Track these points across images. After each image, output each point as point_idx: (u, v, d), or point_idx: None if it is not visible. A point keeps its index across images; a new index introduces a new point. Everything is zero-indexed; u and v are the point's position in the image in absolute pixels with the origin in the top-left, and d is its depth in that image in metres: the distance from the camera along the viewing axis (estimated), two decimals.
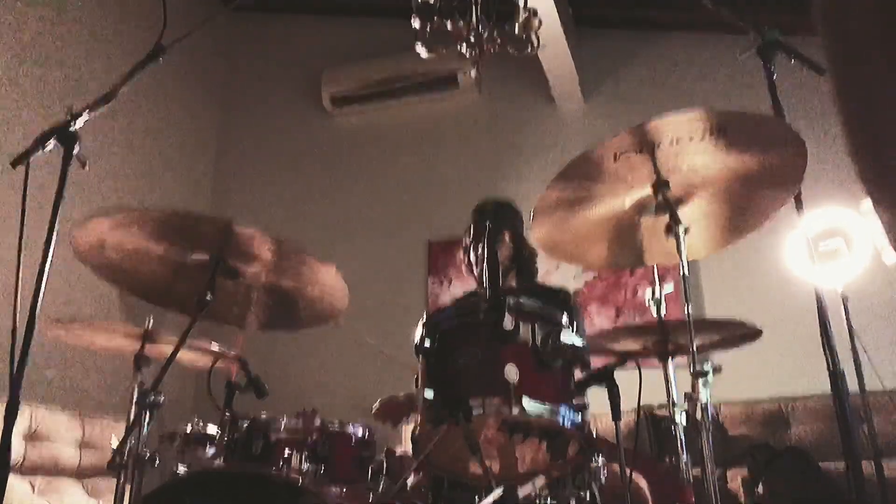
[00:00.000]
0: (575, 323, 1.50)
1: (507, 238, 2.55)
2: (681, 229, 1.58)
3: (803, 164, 1.57)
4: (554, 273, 4.28)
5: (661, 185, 1.62)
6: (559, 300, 2.53)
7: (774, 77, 1.82)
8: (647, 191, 1.65)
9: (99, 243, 1.72)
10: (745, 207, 1.74)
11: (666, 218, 1.62)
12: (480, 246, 2.52)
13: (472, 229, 2.58)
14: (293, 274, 1.86)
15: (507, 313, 1.31)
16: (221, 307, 1.90)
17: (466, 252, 2.62)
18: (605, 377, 1.48)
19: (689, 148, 1.55)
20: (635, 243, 1.84)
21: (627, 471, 1.50)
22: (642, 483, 1.98)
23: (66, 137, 1.60)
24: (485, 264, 1.45)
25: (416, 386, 1.46)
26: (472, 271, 2.63)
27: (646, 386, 1.56)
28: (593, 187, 1.66)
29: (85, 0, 4.35)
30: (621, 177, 1.63)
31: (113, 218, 1.66)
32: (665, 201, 1.61)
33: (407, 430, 2.76)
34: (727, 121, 1.51)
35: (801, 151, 1.55)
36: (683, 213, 1.64)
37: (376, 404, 2.45)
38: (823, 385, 1.63)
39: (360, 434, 1.84)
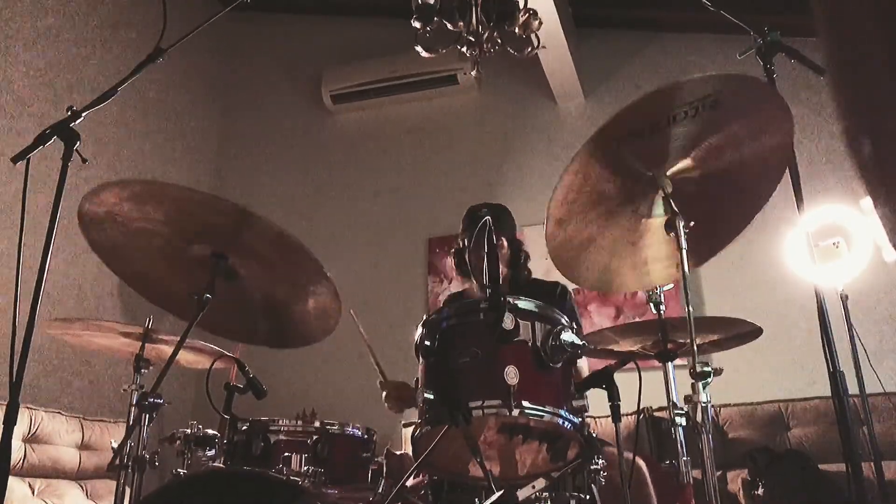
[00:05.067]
0: (574, 321, 1.50)
1: (504, 243, 2.55)
2: (681, 224, 1.58)
3: (790, 128, 1.55)
4: (554, 272, 4.27)
5: (658, 177, 1.61)
6: (555, 294, 2.53)
7: (774, 77, 1.82)
8: (647, 186, 1.64)
9: (106, 216, 1.66)
10: (741, 189, 1.71)
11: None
12: (480, 246, 2.50)
13: (467, 232, 2.56)
14: (290, 282, 1.85)
15: (506, 312, 1.31)
16: (219, 321, 1.89)
17: (461, 255, 2.60)
18: (604, 379, 1.48)
19: (681, 128, 1.54)
20: (640, 262, 1.83)
21: (628, 457, 1.49)
22: (644, 468, 1.97)
23: (67, 134, 1.60)
24: (486, 263, 1.45)
25: (417, 387, 1.46)
26: (467, 274, 2.61)
27: (646, 388, 1.56)
28: (594, 186, 1.66)
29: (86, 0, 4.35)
30: (618, 175, 1.62)
31: (128, 188, 1.62)
32: (664, 195, 1.61)
33: (407, 431, 2.75)
34: (717, 90, 1.50)
35: (787, 116, 1.54)
36: (686, 210, 1.63)
37: (387, 380, 2.45)
38: (823, 387, 1.64)
39: (359, 435, 1.84)
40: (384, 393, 2.48)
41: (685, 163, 1.63)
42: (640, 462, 1.97)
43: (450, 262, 2.77)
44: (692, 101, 1.49)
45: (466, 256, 2.58)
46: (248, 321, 1.99)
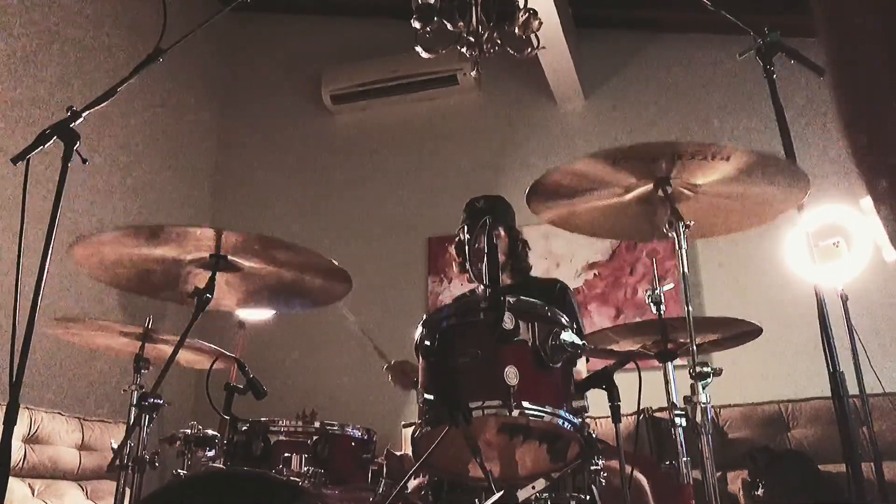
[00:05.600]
0: (574, 320, 1.50)
1: (502, 233, 2.55)
2: (681, 226, 1.58)
3: (804, 191, 1.59)
4: (554, 272, 4.28)
5: (662, 182, 1.61)
6: (554, 292, 2.53)
7: (774, 77, 1.82)
8: (649, 186, 1.65)
9: (96, 250, 1.72)
10: (745, 212, 1.74)
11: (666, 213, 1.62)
12: (479, 242, 2.51)
13: (467, 226, 2.57)
14: (293, 264, 1.87)
15: (506, 312, 1.31)
16: (226, 295, 1.91)
17: (461, 249, 2.61)
18: (604, 379, 1.48)
19: (694, 163, 1.56)
20: (630, 218, 1.83)
21: (628, 469, 1.49)
22: (644, 482, 1.97)
23: (67, 134, 1.60)
24: (485, 262, 1.45)
25: (416, 387, 1.46)
26: (466, 269, 2.62)
27: (645, 388, 1.56)
28: (595, 181, 1.67)
29: (86, 0, 4.35)
30: (624, 172, 1.63)
31: (99, 237, 1.67)
32: (665, 196, 1.61)
33: (407, 431, 2.75)
34: (735, 152, 1.52)
35: (804, 184, 1.56)
36: (684, 206, 1.64)
37: (391, 363, 2.43)
38: (823, 387, 1.64)
39: (359, 436, 1.84)
40: (390, 375, 2.46)
41: (689, 183, 1.64)
42: (641, 477, 1.97)
43: (451, 253, 2.77)
44: (704, 151, 1.50)
45: (466, 250, 2.58)
46: (255, 295, 2.01)
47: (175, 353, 1.67)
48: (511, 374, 1.28)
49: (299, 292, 2.00)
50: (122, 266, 1.81)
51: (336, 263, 1.80)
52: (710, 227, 1.86)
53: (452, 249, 2.72)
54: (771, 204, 1.70)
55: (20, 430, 3.19)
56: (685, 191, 1.66)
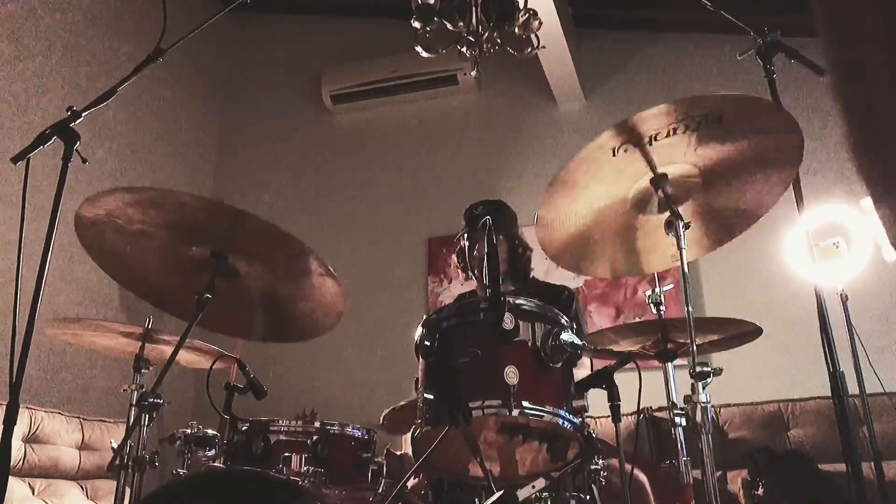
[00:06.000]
0: (576, 322, 1.50)
1: (502, 239, 2.55)
2: (681, 224, 1.58)
3: (799, 145, 1.56)
4: (554, 272, 4.27)
5: (659, 179, 1.61)
6: (562, 298, 2.53)
7: (774, 77, 1.82)
8: (646, 186, 1.65)
9: (103, 221, 1.67)
10: (742, 198, 1.73)
11: (666, 216, 1.61)
12: (479, 246, 2.51)
13: (467, 231, 2.57)
14: (292, 279, 1.86)
15: (506, 312, 1.31)
16: (220, 317, 1.89)
17: (462, 254, 2.61)
18: (604, 379, 1.48)
19: (683, 140, 1.55)
20: (636, 250, 1.84)
21: (628, 468, 1.50)
22: (644, 480, 1.97)
23: (67, 134, 1.60)
24: (485, 263, 1.45)
25: (416, 386, 1.46)
26: (468, 273, 2.62)
27: (646, 388, 1.56)
28: (592, 187, 1.66)
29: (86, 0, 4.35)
30: (619, 175, 1.63)
31: (130, 194, 1.63)
32: (664, 196, 1.61)
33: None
34: (720, 107, 1.51)
35: (796, 133, 1.54)
36: (682, 210, 1.64)
37: (383, 418, 2.39)
38: (823, 387, 1.64)
39: (359, 435, 1.84)
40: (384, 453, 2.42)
41: (686, 168, 1.63)
42: (643, 477, 1.97)
43: (453, 260, 2.77)
44: (695, 115, 1.50)
45: (466, 255, 2.58)
46: (249, 317, 2.00)
47: (175, 353, 1.67)
48: (511, 374, 1.28)
49: (291, 316, 1.98)
50: (124, 245, 1.77)
51: (332, 270, 1.78)
52: (718, 230, 1.85)
53: (454, 257, 2.72)
54: (770, 169, 1.67)
55: (20, 430, 3.19)
56: (682, 190, 1.66)
